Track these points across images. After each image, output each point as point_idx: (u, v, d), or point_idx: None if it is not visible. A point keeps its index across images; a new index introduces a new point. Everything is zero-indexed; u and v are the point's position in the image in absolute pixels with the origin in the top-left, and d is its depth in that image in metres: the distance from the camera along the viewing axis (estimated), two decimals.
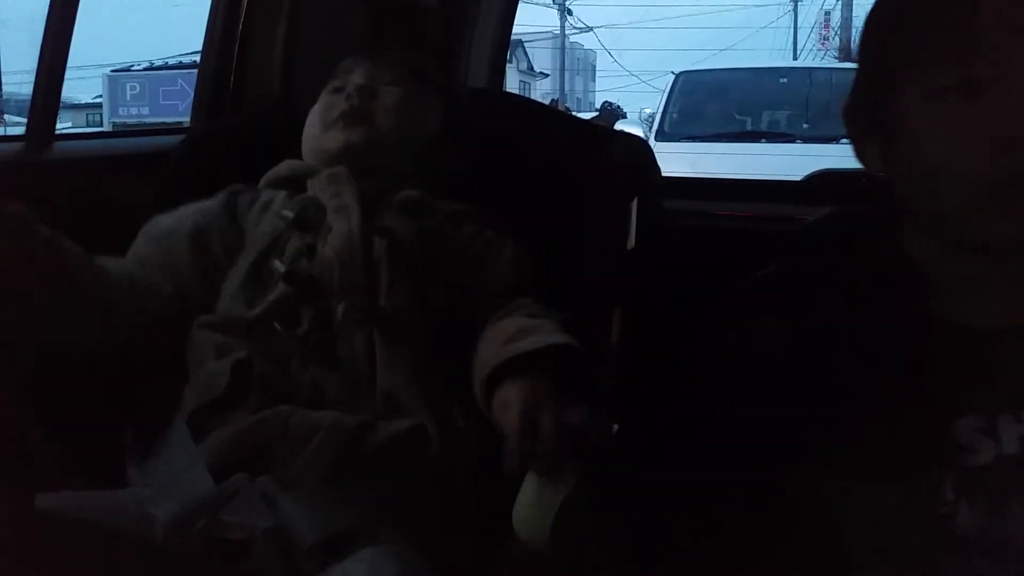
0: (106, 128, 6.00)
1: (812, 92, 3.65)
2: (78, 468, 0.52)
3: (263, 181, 0.67)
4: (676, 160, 2.02)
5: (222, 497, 0.50)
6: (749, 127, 3.62)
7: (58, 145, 0.84)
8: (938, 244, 0.43)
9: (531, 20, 13.17)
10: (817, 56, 10.77)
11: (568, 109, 7.21)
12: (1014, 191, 0.39)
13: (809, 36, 11.94)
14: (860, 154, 0.47)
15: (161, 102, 6.43)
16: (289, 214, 0.61)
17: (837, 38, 10.67)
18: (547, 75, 14.67)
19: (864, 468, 0.41)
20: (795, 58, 10.69)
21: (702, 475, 0.47)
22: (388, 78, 0.68)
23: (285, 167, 0.68)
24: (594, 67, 18.06)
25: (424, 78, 0.70)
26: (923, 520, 0.41)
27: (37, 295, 0.52)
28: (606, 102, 5.05)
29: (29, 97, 0.82)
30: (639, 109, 4.83)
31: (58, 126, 0.86)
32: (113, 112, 6.72)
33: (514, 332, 0.54)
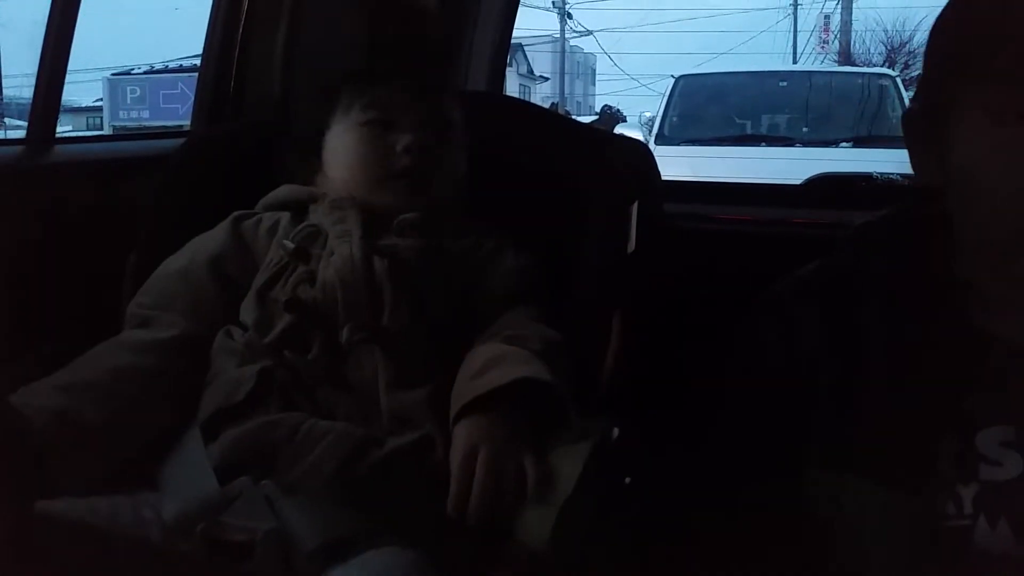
0: (106, 131, 6.02)
1: (812, 96, 3.66)
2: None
3: (261, 205, 0.67)
4: (676, 164, 2.03)
5: (225, 500, 0.50)
6: (749, 131, 3.63)
7: (58, 148, 0.84)
8: (983, 259, 0.42)
9: (531, 24, 13.25)
10: (817, 60, 10.81)
11: (568, 113, 7.24)
12: None
13: (809, 40, 11.98)
14: (915, 163, 0.46)
15: (161, 105, 6.44)
16: (290, 245, 0.60)
17: (837, 42, 10.70)
18: (547, 79, 14.71)
19: (885, 474, 0.41)
20: (795, 62, 10.72)
21: (713, 476, 0.47)
22: (433, 121, 0.66)
23: (284, 192, 0.67)
24: (594, 71, 18.10)
25: (453, 111, 0.68)
26: (939, 532, 0.40)
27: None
28: (606, 106, 5.07)
29: (29, 100, 0.82)
30: (639, 113, 4.85)
31: (58, 129, 0.86)
32: (113, 115, 6.74)
33: (483, 364, 0.54)
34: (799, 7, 12.28)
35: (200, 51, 0.98)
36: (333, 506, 0.50)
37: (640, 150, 0.78)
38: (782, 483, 0.44)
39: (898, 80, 3.80)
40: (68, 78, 0.85)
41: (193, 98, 1.00)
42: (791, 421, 0.44)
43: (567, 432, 0.52)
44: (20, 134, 0.85)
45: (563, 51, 14.10)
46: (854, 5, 10.12)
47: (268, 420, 0.54)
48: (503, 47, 1.18)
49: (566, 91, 14.51)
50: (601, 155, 0.74)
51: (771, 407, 0.46)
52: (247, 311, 0.59)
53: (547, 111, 1.14)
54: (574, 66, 16.23)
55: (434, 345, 0.58)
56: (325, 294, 0.58)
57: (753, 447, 0.46)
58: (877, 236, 0.48)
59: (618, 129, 3.70)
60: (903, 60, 11.14)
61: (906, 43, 11.30)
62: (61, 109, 0.84)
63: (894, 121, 3.51)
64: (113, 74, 6.96)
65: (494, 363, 0.54)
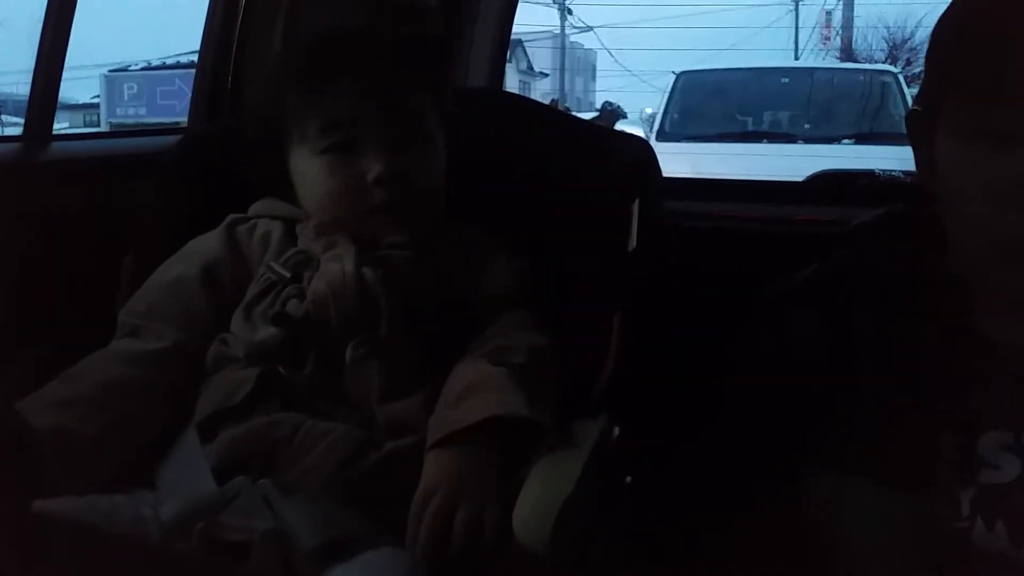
0: (103, 128, 6.01)
1: (813, 92, 3.65)
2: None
3: (251, 212, 0.65)
4: (677, 160, 2.02)
5: (223, 499, 0.50)
6: (750, 127, 3.62)
7: (55, 145, 0.84)
8: (973, 262, 0.42)
9: (531, 19, 13.19)
10: (819, 56, 10.78)
11: (568, 109, 7.21)
12: None
13: (811, 36, 11.94)
14: (916, 161, 0.46)
15: (158, 102, 6.43)
16: (286, 274, 0.58)
17: (838, 38, 10.66)
18: (547, 75, 14.68)
19: (883, 475, 0.41)
20: (796, 58, 10.69)
21: (711, 477, 0.47)
22: (403, 133, 0.59)
23: (266, 208, 0.64)
24: (594, 67, 18.05)
25: (423, 108, 0.62)
26: (936, 533, 0.40)
27: None
28: (606, 102, 5.04)
29: (26, 97, 0.82)
30: (640, 109, 4.83)
31: (55, 126, 0.86)
32: (110, 112, 6.73)
33: (462, 391, 0.53)
34: (801, 3, 12.25)
35: (197, 48, 0.97)
36: (332, 506, 0.50)
37: (641, 147, 0.78)
38: (781, 484, 0.43)
39: (900, 77, 3.79)
40: (65, 75, 0.84)
41: (190, 95, 0.99)
42: (790, 422, 0.44)
43: (553, 446, 0.52)
44: (17, 131, 0.85)
45: (563, 47, 14.06)
46: (856, 1, 10.09)
47: (268, 420, 0.54)
48: (503, 43, 1.17)
49: (566, 87, 14.48)
50: (602, 152, 0.73)
51: (770, 408, 0.45)
52: (238, 323, 0.59)
53: (547, 107, 1.13)
54: (574, 62, 16.19)
55: (429, 352, 0.57)
56: (317, 307, 0.56)
57: (752, 448, 0.46)
58: (874, 236, 0.48)
59: (619, 125, 3.69)
60: (905, 57, 11.10)
61: (908, 39, 11.27)
62: (58, 106, 0.84)
63: (896, 118, 3.50)
64: (110, 71, 6.95)
65: (472, 391, 0.53)
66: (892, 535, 0.41)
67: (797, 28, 12.17)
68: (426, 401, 0.55)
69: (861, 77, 3.80)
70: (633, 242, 0.69)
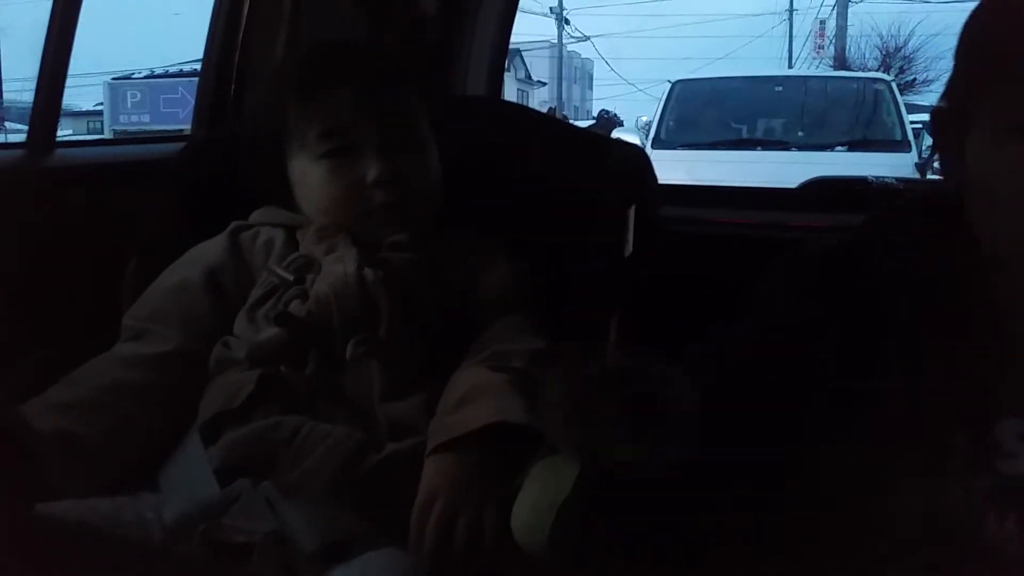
0: (107, 135, 6.01)
1: (807, 100, 3.68)
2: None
3: (253, 220, 0.66)
4: (673, 167, 2.04)
5: (225, 501, 0.50)
6: (745, 135, 3.64)
7: (59, 152, 0.85)
8: (1006, 253, 0.40)
9: (529, 29, 13.30)
10: (812, 65, 10.86)
11: (566, 117, 7.25)
12: None
13: (804, 45, 12.05)
14: (940, 159, 0.45)
15: (162, 110, 6.44)
16: (289, 277, 0.59)
17: (832, 47, 10.75)
18: (544, 84, 14.75)
19: (894, 460, 0.40)
20: (790, 67, 10.77)
21: (710, 476, 0.46)
22: (399, 135, 0.61)
23: (267, 216, 0.65)
24: (591, 76, 18.15)
25: (417, 112, 0.64)
26: (947, 523, 0.39)
27: None
28: (603, 110, 5.08)
29: (30, 104, 0.83)
30: (636, 117, 4.86)
31: (59, 133, 0.87)
32: (114, 119, 6.73)
33: (461, 396, 0.54)
34: (795, 12, 12.36)
35: (201, 56, 0.98)
36: (333, 508, 0.51)
37: (637, 154, 0.79)
38: (773, 478, 0.43)
39: (893, 85, 3.83)
40: (68, 82, 0.85)
41: (193, 103, 1.00)
42: (792, 392, 0.43)
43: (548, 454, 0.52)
44: (21, 138, 0.86)
45: (560, 56, 14.15)
46: (849, 10, 10.19)
47: (269, 422, 0.54)
48: (501, 52, 1.18)
49: (564, 96, 14.56)
50: (598, 159, 0.74)
51: (773, 373, 0.43)
52: (241, 325, 0.59)
53: (545, 116, 1.14)
54: (571, 71, 16.28)
55: (429, 353, 0.58)
56: (319, 307, 0.57)
57: (758, 403, 0.44)
58: (900, 219, 0.46)
59: (615, 133, 3.71)
60: (898, 65, 11.19)
61: (901, 48, 11.37)
62: (61, 113, 0.85)
63: (889, 125, 3.54)
64: (114, 78, 6.96)
65: (472, 397, 0.53)
66: (897, 524, 0.40)
67: (791, 37, 12.28)
68: (427, 402, 0.56)
69: (854, 85, 3.84)
70: (629, 247, 0.70)
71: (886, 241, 0.45)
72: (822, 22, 11.35)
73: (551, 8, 13.13)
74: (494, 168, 0.71)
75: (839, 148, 3.35)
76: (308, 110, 0.62)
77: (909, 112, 3.74)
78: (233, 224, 0.65)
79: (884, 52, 11.36)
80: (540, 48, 13.94)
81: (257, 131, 0.68)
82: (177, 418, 0.57)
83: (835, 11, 10.34)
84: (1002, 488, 0.39)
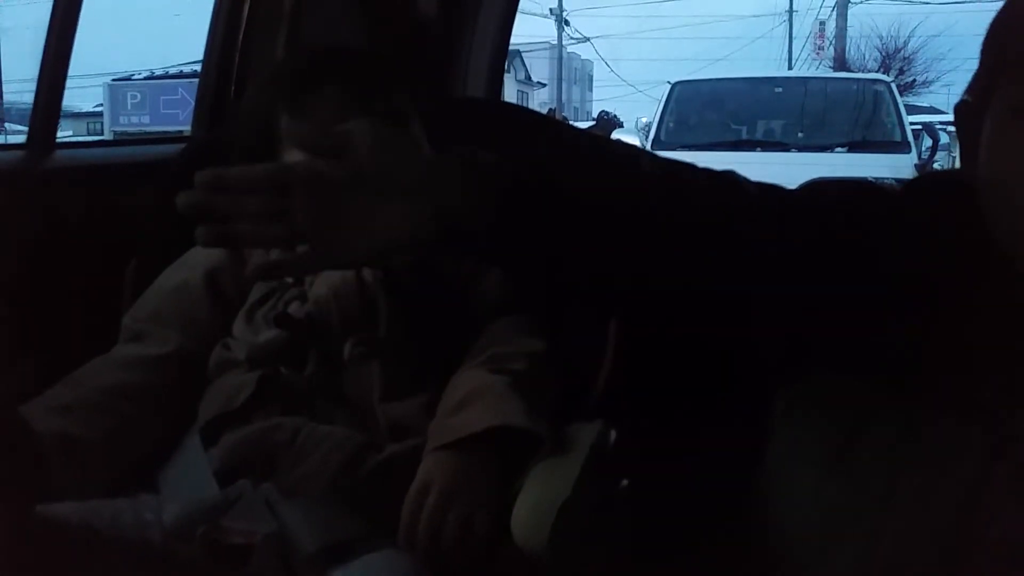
0: (107, 136, 6.01)
1: (807, 101, 3.69)
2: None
3: None
4: None
5: (225, 503, 0.50)
6: (744, 136, 3.65)
7: (59, 153, 0.84)
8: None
9: (529, 30, 13.32)
10: (812, 66, 10.87)
11: (565, 119, 7.26)
12: None
13: (804, 46, 12.07)
14: (961, 153, 0.44)
15: (162, 111, 6.44)
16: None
17: (832, 48, 10.77)
18: (544, 85, 14.77)
19: (905, 446, 0.39)
20: (790, 68, 10.78)
21: (708, 475, 0.46)
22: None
23: None
24: (591, 77, 18.17)
25: (419, 116, 0.62)
26: (957, 514, 0.38)
27: None
28: (603, 111, 5.08)
29: (30, 105, 0.82)
30: (636, 118, 4.86)
31: (59, 134, 0.86)
32: (114, 121, 6.74)
33: (461, 398, 0.54)
34: (794, 14, 12.38)
35: (201, 57, 0.98)
36: (332, 510, 0.51)
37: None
38: (771, 476, 0.43)
39: (893, 86, 3.83)
40: (69, 83, 0.85)
41: (193, 104, 1.00)
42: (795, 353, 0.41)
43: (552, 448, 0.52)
44: (21, 139, 0.86)
45: (560, 57, 14.17)
46: (849, 11, 10.20)
47: (268, 424, 0.54)
48: (501, 53, 1.18)
49: (563, 97, 14.58)
50: (602, 159, 0.74)
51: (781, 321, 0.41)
52: (240, 327, 0.59)
53: (545, 117, 1.14)
54: (571, 72, 16.31)
55: (428, 354, 0.58)
56: (318, 308, 0.57)
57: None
58: (924, 194, 0.45)
59: (615, 135, 3.71)
60: (898, 66, 11.20)
61: (901, 49, 11.38)
62: (62, 114, 0.85)
63: (889, 126, 3.54)
64: (114, 79, 6.97)
65: (471, 399, 0.53)
66: (903, 516, 0.39)
67: (791, 38, 12.31)
68: (427, 403, 0.56)
69: (854, 86, 3.85)
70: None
71: (907, 218, 0.43)
72: (822, 23, 11.37)
73: (551, 9, 13.17)
74: None
75: (839, 149, 3.35)
76: (297, 111, 0.62)
77: (909, 113, 3.75)
78: None
79: (884, 53, 11.38)
80: (540, 49, 13.96)
81: (251, 132, 0.68)
82: (178, 420, 0.57)
83: (835, 12, 10.36)
84: (1019, 476, 0.38)
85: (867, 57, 11.12)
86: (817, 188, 0.48)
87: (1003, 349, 0.39)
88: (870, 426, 0.41)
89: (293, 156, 0.62)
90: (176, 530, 0.48)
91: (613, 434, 0.57)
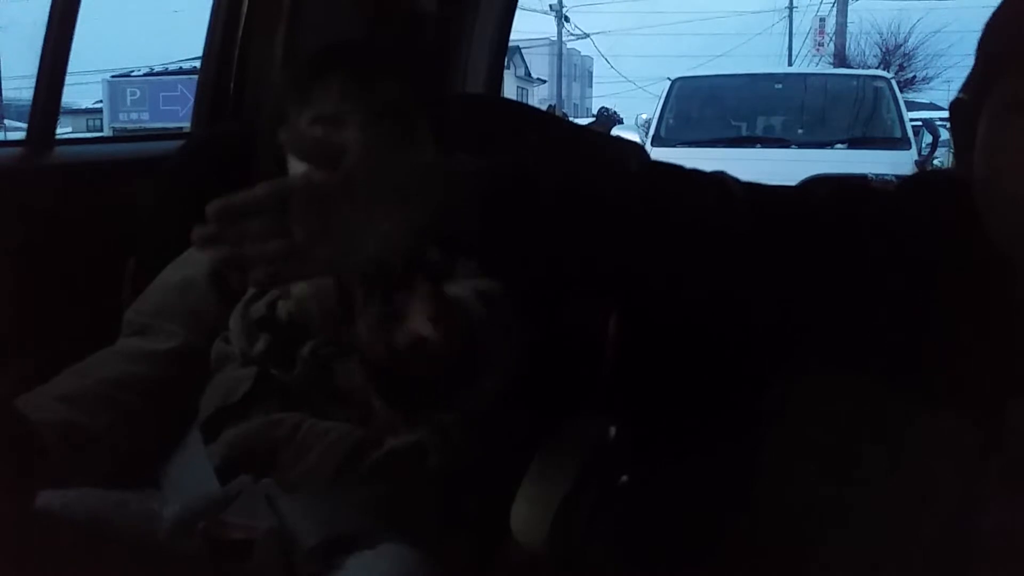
0: (106, 133, 6.00)
1: (807, 98, 3.68)
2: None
3: None
4: None
5: (226, 498, 0.50)
6: (744, 132, 3.64)
7: (58, 150, 0.84)
8: (1016, 235, 0.39)
9: (528, 27, 13.27)
10: (812, 62, 10.85)
11: (565, 115, 7.23)
12: None
13: (804, 42, 12.03)
14: (955, 151, 0.45)
15: (161, 107, 6.42)
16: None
17: (832, 44, 10.73)
18: (544, 81, 14.73)
19: (899, 441, 0.39)
20: (790, 64, 10.75)
21: (707, 471, 0.46)
22: (389, 137, 0.59)
23: None
24: (591, 73, 18.12)
25: (419, 110, 0.61)
26: (953, 507, 0.39)
27: None
28: (603, 108, 5.06)
29: (29, 102, 0.82)
30: (636, 115, 4.85)
31: (58, 131, 0.86)
32: (113, 117, 6.72)
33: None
34: (795, 10, 12.34)
35: (200, 53, 0.98)
36: (332, 504, 0.51)
37: (637, 152, 0.79)
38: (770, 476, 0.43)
39: (893, 82, 3.82)
40: (68, 80, 0.85)
41: (193, 100, 1.00)
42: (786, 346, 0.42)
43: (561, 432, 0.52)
44: (20, 135, 0.86)
45: (560, 54, 14.13)
46: (849, 8, 10.16)
47: (269, 420, 0.54)
48: (501, 50, 1.18)
49: (563, 93, 14.54)
50: (598, 157, 0.74)
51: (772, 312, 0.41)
52: (235, 322, 0.59)
53: (545, 113, 1.14)
54: (571, 69, 16.26)
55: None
56: (298, 307, 0.57)
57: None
58: (918, 189, 0.45)
59: (615, 131, 3.70)
60: (898, 62, 11.17)
61: (901, 45, 11.35)
62: (61, 111, 0.85)
63: (888, 123, 3.53)
64: (113, 76, 6.95)
65: None
66: (898, 512, 0.39)
67: (791, 34, 12.27)
68: (417, 403, 0.55)
69: (854, 82, 3.83)
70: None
71: (903, 213, 0.43)
72: (822, 19, 11.33)
73: (551, 5, 13.11)
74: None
75: (839, 145, 3.35)
76: (298, 102, 0.62)
77: (908, 109, 3.74)
78: None
79: (884, 49, 11.35)
80: (540, 45, 13.92)
81: (260, 123, 0.68)
82: (181, 414, 0.57)
83: (835, 8, 10.33)
84: (1013, 470, 0.38)
85: (867, 53, 11.10)
86: (814, 185, 0.48)
87: (997, 344, 0.39)
88: (865, 420, 0.41)
89: (293, 163, 0.62)
90: (177, 525, 0.49)
91: (613, 431, 0.58)
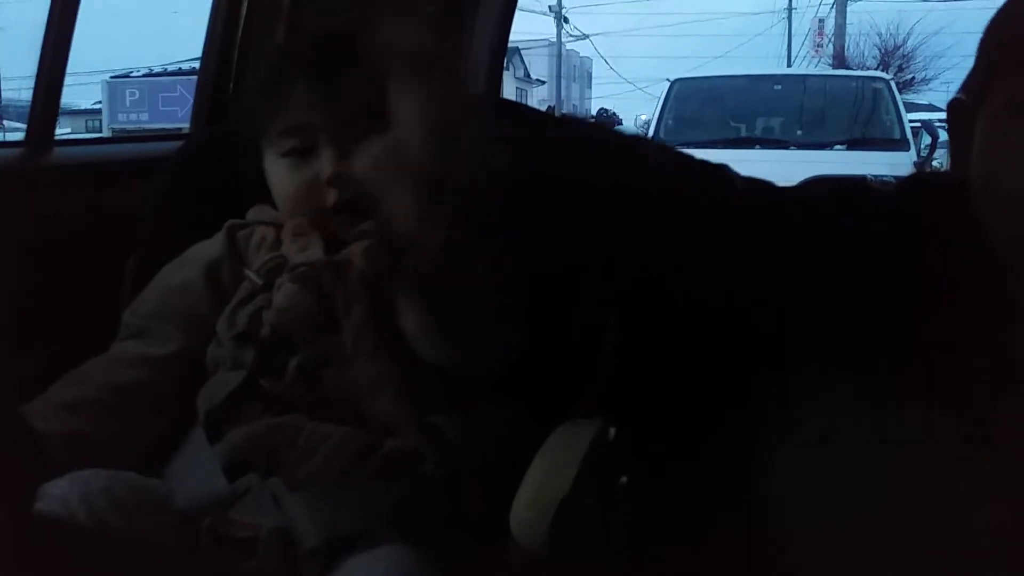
0: (105, 134, 6.01)
1: (806, 99, 3.69)
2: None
3: (248, 217, 0.65)
4: None
5: (231, 496, 0.50)
6: (743, 134, 3.65)
7: (57, 151, 0.84)
8: (1013, 235, 0.40)
9: (528, 28, 13.30)
10: (811, 63, 10.87)
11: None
12: None
13: (803, 43, 12.06)
14: (952, 151, 0.46)
15: (160, 108, 6.44)
16: (258, 280, 0.59)
17: (831, 45, 10.76)
18: (543, 82, 14.75)
19: (899, 442, 0.40)
20: (789, 65, 10.78)
21: (707, 471, 0.46)
22: (355, 133, 0.57)
23: (256, 215, 0.64)
24: (590, 74, 18.15)
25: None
26: (941, 503, 0.39)
27: None
28: (602, 109, 5.08)
29: (28, 103, 0.82)
30: (635, 116, 4.86)
31: (57, 132, 0.86)
32: (112, 118, 6.73)
33: None
34: (794, 11, 12.37)
35: (199, 54, 0.98)
36: (336, 504, 0.51)
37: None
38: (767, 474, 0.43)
39: (892, 83, 3.83)
40: (67, 80, 0.85)
41: (192, 101, 1.00)
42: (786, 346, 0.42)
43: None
44: (19, 136, 0.86)
45: (559, 55, 14.15)
46: (848, 9, 10.19)
47: (270, 423, 0.54)
48: (500, 51, 1.18)
49: (562, 94, 14.55)
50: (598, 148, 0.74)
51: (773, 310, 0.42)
52: (223, 326, 0.59)
53: (545, 114, 1.14)
54: (570, 70, 16.28)
55: (400, 349, 0.56)
56: (280, 318, 0.57)
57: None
58: (917, 188, 0.46)
59: None
60: (897, 63, 11.20)
61: (900, 46, 11.38)
62: (60, 111, 0.85)
63: (888, 124, 3.54)
64: (112, 77, 6.96)
65: None
66: (891, 509, 0.40)
67: (790, 35, 12.30)
68: (409, 405, 0.55)
69: (853, 84, 3.84)
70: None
71: (901, 212, 0.44)
72: (821, 21, 11.36)
73: (550, 6, 13.14)
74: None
75: (838, 147, 3.35)
76: (272, 107, 0.62)
77: (908, 111, 3.74)
78: (228, 223, 0.65)
79: (883, 50, 11.38)
80: (539, 46, 13.94)
81: (242, 128, 0.68)
82: (183, 417, 0.57)
83: (834, 10, 10.35)
84: (1003, 469, 0.39)
85: (866, 54, 11.13)
86: (813, 185, 0.48)
87: (994, 344, 0.40)
88: (856, 417, 0.42)
89: (269, 156, 0.62)
90: (182, 522, 0.48)
91: (612, 431, 0.58)
